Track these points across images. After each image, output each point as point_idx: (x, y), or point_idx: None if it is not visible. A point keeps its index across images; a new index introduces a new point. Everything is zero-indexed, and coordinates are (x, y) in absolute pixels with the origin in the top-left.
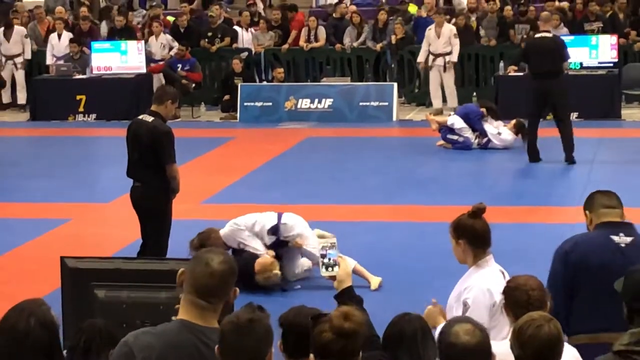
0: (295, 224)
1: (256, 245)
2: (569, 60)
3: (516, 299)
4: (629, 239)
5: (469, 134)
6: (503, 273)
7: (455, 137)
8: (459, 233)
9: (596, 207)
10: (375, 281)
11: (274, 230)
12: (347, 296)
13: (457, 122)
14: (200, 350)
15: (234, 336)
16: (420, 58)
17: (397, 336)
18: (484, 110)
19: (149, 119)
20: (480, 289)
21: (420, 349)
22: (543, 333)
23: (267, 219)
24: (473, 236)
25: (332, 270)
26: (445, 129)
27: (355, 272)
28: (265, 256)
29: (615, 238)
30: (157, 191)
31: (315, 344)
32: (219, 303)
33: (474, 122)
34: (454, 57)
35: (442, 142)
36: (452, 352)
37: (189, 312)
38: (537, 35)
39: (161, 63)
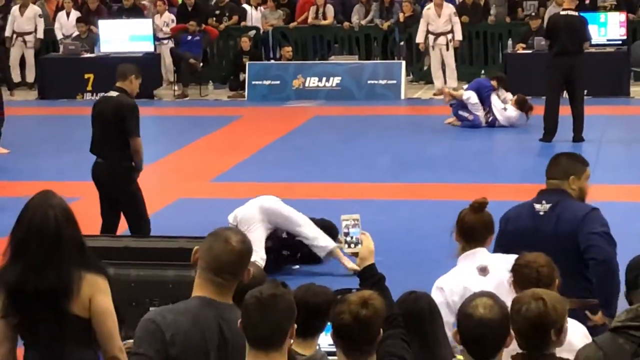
0: (243, 223)
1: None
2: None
3: (525, 276)
4: (548, 206)
5: (480, 112)
6: (483, 270)
7: (466, 114)
8: (457, 225)
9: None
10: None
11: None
12: (369, 274)
13: (472, 97)
14: (221, 326)
15: (257, 310)
16: (420, 39)
17: (404, 315)
18: (494, 82)
19: (114, 94)
20: (435, 286)
21: (429, 327)
22: (529, 311)
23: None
24: (461, 229)
25: (355, 247)
26: (458, 105)
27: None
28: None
29: (537, 206)
30: (120, 169)
31: (334, 323)
32: (234, 281)
33: (484, 97)
34: (459, 36)
35: (450, 119)
36: (467, 323)
37: (206, 289)
38: (562, 13)
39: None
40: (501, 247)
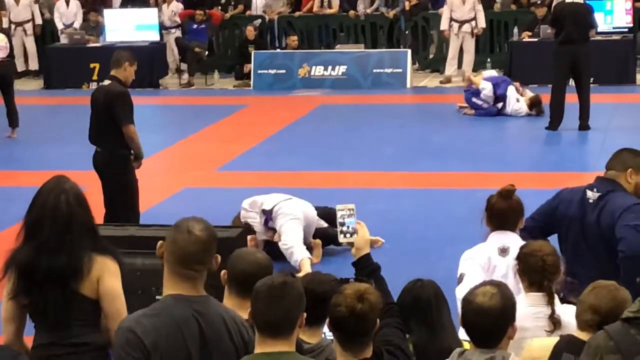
0: (285, 213)
1: (257, 219)
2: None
3: (531, 264)
4: (597, 195)
5: (490, 100)
6: (504, 251)
7: (480, 102)
8: (485, 208)
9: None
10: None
11: (268, 212)
12: (365, 263)
13: (488, 88)
14: (199, 322)
15: (267, 298)
16: (444, 26)
17: (411, 303)
18: (517, 83)
19: (107, 82)
20: (463, 258)
21: (435, 315)
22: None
23: (268, 201)
24: (492, 216)
25: (350, 237)
26: (472, 92)
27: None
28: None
29: (589, 193)
30: (115, 156)
31: (330, 315)
32: (204, 270)
33: (501, 88)
34: (482, 23)
35: (468, 110)
36: (466, 309)
37: (178, 284)
38: (568, 1)
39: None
40: (542, 218)
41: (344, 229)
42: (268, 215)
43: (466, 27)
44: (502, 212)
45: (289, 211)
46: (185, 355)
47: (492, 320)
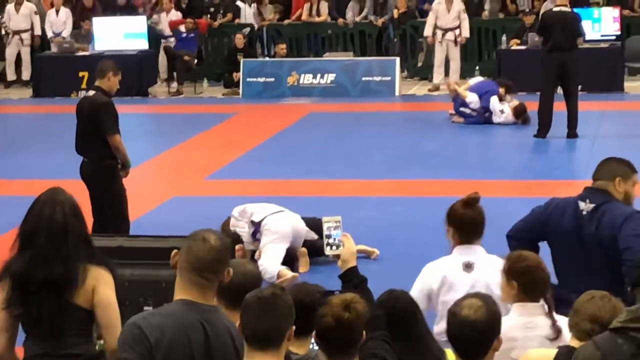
0: (272, 231)
1: (245, 229)
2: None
3: (538, 277)
4: (591, 206)
5: (482, 110)
6: (469, 266)
7: (468, 111)
8: (449, 221)
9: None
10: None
11: (257, 224)
12: (351, 276)
13: (475, 101)
14: (205, 329)
15: (257, 310)
16: (427, 32)
17: (386, 315)
18: (502, 90)
19: (91, 93)
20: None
21: (411, 324)
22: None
23: (258, 212)
24: (460, 226)
25: (336, 249)
26: (460, 102)
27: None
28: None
29: (582, 204)
30: (102, 166)
31: (317, 325)
32: (215, 280)
33: (484, 100)
34: (466, 32)
35: (457, 118)
36: (451, 322)
37: (189, 292)
38: (555, 9)
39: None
40: (533, 227)
41: (330, 241)
42: (256, 227)
43: (449, 35)
44: (472, 222)
45: (275, 229)
46: (189, 358)
47: (477, 333)
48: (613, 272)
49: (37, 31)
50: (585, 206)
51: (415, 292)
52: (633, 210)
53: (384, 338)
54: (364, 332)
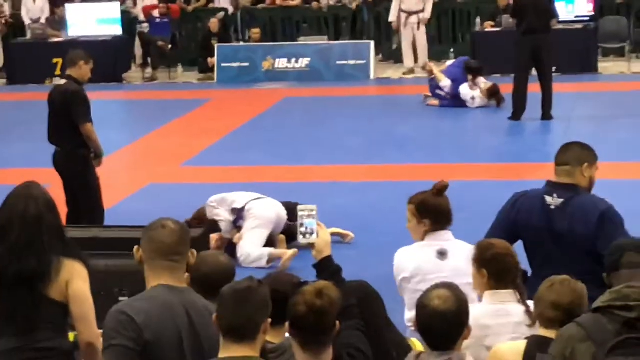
0: (256, 216)
1: (225, 217)
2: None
3: (507, 264)
4: (559, 201)
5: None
6: (442, 254)
7: (443, 94)
8: (424, 212)
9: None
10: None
11: (239, 210)
12: (326, 265)
13: (448, 86)
14: (187, 309)
15: (232, 302)
16: (392, 17)
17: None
18: (470, 77)
19: (62, 82)
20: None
21: (368, 315)
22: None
23: (239, 199)
24: (438, 216)
25: (310, 237)
26: (436, 84)
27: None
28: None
29: (549, 199)
30: (75, 155)
31: (290, 314)
32: (183, 262)
33: (454, 88)
34: (427, 14)
35: (431, 101)
36: (421, 313)
37: (162, 277)
38: None
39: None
40: (506, 227)
41: (302, 229)
42: (239, 214)
43: (413, 19)
44: (447, 211)
45: (260, 214)
46: (177, 335)
47: (448, 323)
48: (587, 264)
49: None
50: (552, 201)
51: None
52: (605, 204)
53: (358, 327)
54: (338, 323)
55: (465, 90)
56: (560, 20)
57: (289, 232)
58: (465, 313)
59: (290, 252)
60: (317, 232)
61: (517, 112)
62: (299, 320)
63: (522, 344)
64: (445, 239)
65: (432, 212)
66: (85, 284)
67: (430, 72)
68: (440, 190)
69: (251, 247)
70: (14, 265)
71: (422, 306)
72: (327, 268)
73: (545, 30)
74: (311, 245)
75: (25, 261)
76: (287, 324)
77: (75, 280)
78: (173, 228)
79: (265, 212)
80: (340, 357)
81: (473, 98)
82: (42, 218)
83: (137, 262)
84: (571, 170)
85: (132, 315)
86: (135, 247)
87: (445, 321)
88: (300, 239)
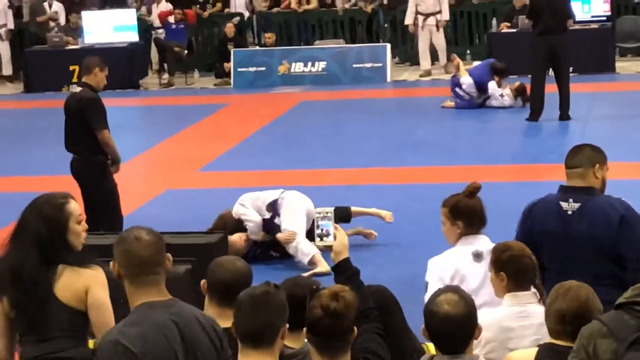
0: (292, 202)
1: (253, 217)
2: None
3: (525, 265)
4: (576, 205)
5: (474, 94)
6: (478, 256)
7: (462, 93)
8: (457, 214)
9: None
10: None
11: (273, 204)
12: (344, 267)
13: (468, 84)
14: (177, 323)
15: (249, 307)
16: (408, 20)
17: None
18: (496, 77)
19: (78, 89)
20: (430, 263)
21: (386, 318)
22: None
23: (270, 194)
24: (472, 218)
25: (326, 239)
26: (456, 81)
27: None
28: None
29: (564, 205)
30: (92, 162)
31: (307, 319)
32: (162, 271)
33: (483, 84)
34: (445, 16)
35: (446, 103)
36: (433, 320)
37: (145, 293)
38: None
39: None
40: (522, 241)
41: (319, 231)
42: (274, 209)
43: (431, 20)
44: (480, 212)
45: (293, 199)
46: (173, 355)
47: (460, 327)
48: (606, 267)
49: (10, 25)
50: (569, 206)
51: (433, 281)
52: (624, 205)
53: (376, 331)
54: (355, 328)
55: (494, 86)
56: (576, 20)
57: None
58: (474, 314)
59: (326, 269)
60: (334, 235)
61: (535, 113)
62: (315, 323)
63: (533, 352)
64: (479, 241)
65: (465, 213)
66: (105, 292)
67: (457, 67)
68: (472, 191)
69: (304, 241)
70: (32, 272)
71: (431, 313)
72: (345, 270)
73: (560, 31)
74: (327, 248)
75: (45, 269)
76: (304, 329)
77: (94, 287)
78: (148, 239)
79: (299, 199)
80: None
81: (502, 95)
82: (63, 225)
83: (116, 277)
84: (583, 172)
85: (128, 346)
86: (111, 263)
87: (457, 325)
88: (317, 241)
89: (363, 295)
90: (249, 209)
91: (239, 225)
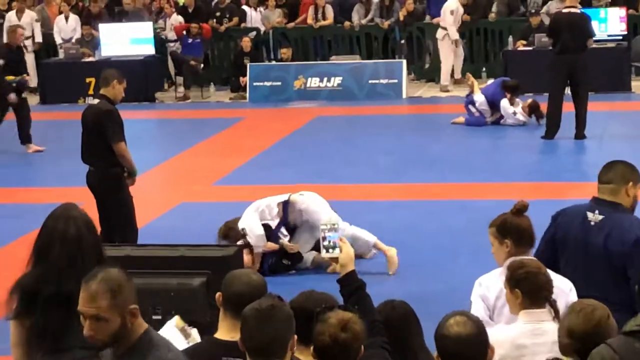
0: (307, 198)
1: (255, 231)
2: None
3: (539, 282)
4: (600, 217)
5: (486, 112)
6: None
7: (473, 110)
8: (505, 233)
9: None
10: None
11: (284, 205)
12: (349, 280)
13: (482, 101)
14: None
15: (255, 322)
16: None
17: (382, 323)
18: (508, 94)
19: (96, 102)
20: (477, 281)
21: (405, 337)
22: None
23: (278, 197)
24: (520, 236)
25: (332, 252)
26: (470, 99)
27: (375, 247)
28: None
29: (590, 215)
30: (109, 174)
31: (314, 342)
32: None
33: (496, 101)
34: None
35: (456, 119)
36: (444, 343)
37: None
38: (565, 10)
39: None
40: (548, 252)
41: (325, 243)
42: (285, 216)
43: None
44: (524, 229)
45: (314, 197)
46: None
47: (473, 346)
48: (615, 283)
49: (38, 38)
50: (593, 217)
51: (479, 309)
52: None
53: (382, 345)
54: (363, 348)
55: (505, 104)
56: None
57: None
58: (485, 335)
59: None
60: (340, 247)
61: (550, 132)
62: (322, 350)
63: None
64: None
65: (514, 232)
66: None
67: (472, 86)
68: (520, 209)
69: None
70: (52, 285)
71: (442, 336)
72: (351, 283)
73: (580, 50)
74: (334, 260)
75: (65, 281)
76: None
77: None
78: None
79: (316, 197)
80: None
81: (514, 113)
82: (82, 238)
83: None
84: (615, 188)
85: None
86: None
87: (470, 345)
88: (323, 253)
89: (369, 309)
90: (251, 221)
91: (242, 237)
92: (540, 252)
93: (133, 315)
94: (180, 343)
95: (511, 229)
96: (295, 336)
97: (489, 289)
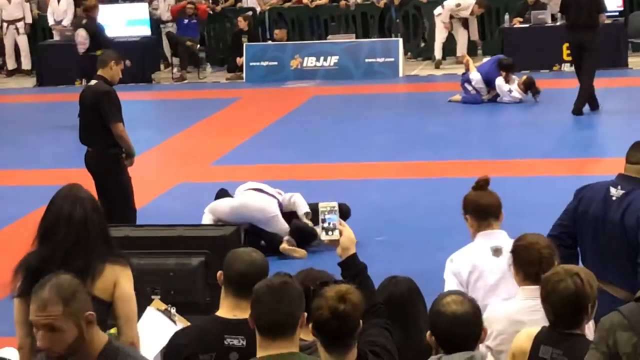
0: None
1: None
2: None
3: (527, 257)
4: (621, 192)
5: (482, 90)
6: (497, 251)
7: (469, 88)
8: (465, 209)
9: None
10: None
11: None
12: (351, 263)
13: (477, 79)
14: None
15: (268, 299)
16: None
17: (385, 300)
18: (503, 73)
19: (93, 82)
20: (448, 259)
21: (408, 314)
22: (567, 288)
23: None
24: (476, 209)
25: (332, 234)
26: (466, 77)
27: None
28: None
29: (613, 190)
30: (107, 155)
31: (313, 318)
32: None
33: (491, 79)
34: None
35: (454, 97)
36: (440, 320)
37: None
38: None
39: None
40: (568, 221)
41: (325, 225)
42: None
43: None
44: (483, 203)
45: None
46: None
47: (468, 325)
48: (631, 260)
49: (28, 19)
50: (616, 192)
51: (452, 285)
52: None
53: (384, 325)
54: (361, 322)
55: (500, 82)
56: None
57: (304, 234)
58: (480, 315)
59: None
60: (340, 230)
61: (591, 105)
62: (322, 324)
63: (535, 331)
64: (497, 236)
65: (471, 207)
66: (131, 285)
67: (467, 64)
68: (479, 184)
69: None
70: (58, 261)
71: (438, 313)
72: (352, 266)
73: (587, 27)
74: (333, 242)
75: (71, 261)
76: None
77: (122, 280)
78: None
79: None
80: (365, 354)
81: (510, 91)
82: (88, 219)
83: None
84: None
85: None
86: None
87: (465, 324)
88: (323, 235)
89: (371, 291)
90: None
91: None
92: (559, 221)
93: (89, 322)
94: (168, 325)
95: (468, 204)
96: (305, 314)
97: (460, 264)
